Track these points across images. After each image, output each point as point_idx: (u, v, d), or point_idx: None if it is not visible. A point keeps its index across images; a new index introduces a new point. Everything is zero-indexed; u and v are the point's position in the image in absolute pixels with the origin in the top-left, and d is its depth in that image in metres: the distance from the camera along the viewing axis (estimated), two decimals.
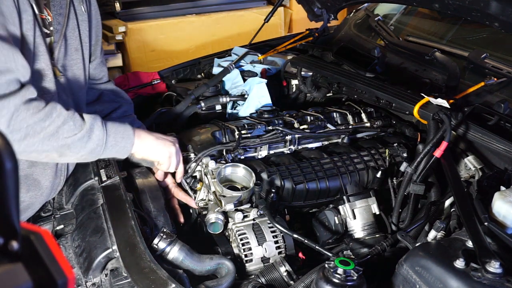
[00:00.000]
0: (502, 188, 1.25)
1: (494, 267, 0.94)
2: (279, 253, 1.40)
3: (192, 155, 1.64)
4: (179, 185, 1.65)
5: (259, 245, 1.39)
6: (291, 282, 1.25)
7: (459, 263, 0.99)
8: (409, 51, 2.09)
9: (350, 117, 1.94)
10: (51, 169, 1.47)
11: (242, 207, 1.47)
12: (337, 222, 1.57)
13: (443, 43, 2.08)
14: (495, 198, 1.19)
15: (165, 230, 1.31)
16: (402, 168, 1.50)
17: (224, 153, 1.63)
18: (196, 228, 1.60)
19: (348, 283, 1.03)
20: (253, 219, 1.45)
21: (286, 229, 1.36)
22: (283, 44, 2.43)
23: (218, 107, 2.06)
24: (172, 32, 4.08)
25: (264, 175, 1.55)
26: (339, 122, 1.93)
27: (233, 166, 1.55)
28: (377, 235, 1.54)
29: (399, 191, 1.53)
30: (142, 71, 2.31)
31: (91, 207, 1.44)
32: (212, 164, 1.56)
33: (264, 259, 1.39)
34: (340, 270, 1.04)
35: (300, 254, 1.45)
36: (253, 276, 1.33)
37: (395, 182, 1.64)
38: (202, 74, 2.43)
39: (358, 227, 1.57)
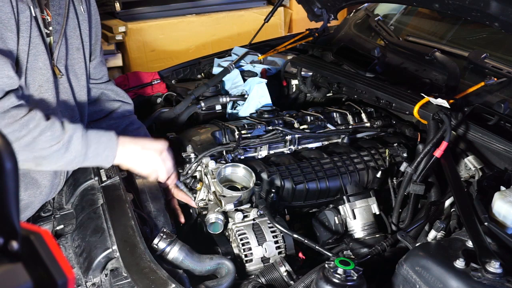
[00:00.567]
0: (502, 188, 1.25)
1: (494, 267, 0.94)
2: (279, 253, 1.40)
3: (192, 155, 1.64)
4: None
5: (259, 245, 1.39)
6: (291, 282, 1.25)
7: (459, 263, 0.99)
8: (409, 51, 2.09)
9: (350, 117, 1.94)
10: None
11: (242, 207, 1.47)
12: (337, 222, 1.57)
13: (443, 43, 2.08)
14: (495, 198, 1.19)
15: (165, 230, 1.31)
16: (402, 168, 1.50)
17: (224, 153, 1.63)
18: (196, 228, 1.60)
19: (348, 283, 1.03)
20: (253, 219, 1.45)
21: (286, 229, 1.36)
22: (283, 44, 2.43)
23: (218, 107, 2.06)
24: (172, 32, 4.08)
25: (264, 175, 1.55)
26: (339, 122, 1.93)
27: (233, 166, 1.55)
28: (377, 235, 1.54)
29: (399, 191, 1.53)
30: (142, 71, 2.30)
31: (91, 207, 1.44)
32: (212, 164, 1.56)
33: (264, 259, 1.39)
34: (340, 270, 1.04)
35: (300, 254, 1.45)
36: (253, 276, 1.33)
37: (395, 182, 1.64)
38: (202, 74, 2.43)
39: (358, 227, 1.57)
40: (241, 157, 1.64)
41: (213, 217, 1.44)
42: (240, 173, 1.54)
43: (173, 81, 2.32)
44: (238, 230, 1.41)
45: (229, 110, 2.07)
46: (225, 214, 1.47)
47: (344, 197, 1.59)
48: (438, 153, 1.42)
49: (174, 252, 1.26)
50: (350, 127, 1.91)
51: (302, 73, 2.20)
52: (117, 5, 3.98)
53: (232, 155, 1.61)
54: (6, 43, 1.23)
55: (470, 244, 1.06)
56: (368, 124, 1.94)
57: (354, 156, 1.69)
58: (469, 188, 1.35)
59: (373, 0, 2.43)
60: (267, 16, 2.59)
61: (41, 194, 1.48)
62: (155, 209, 1.44)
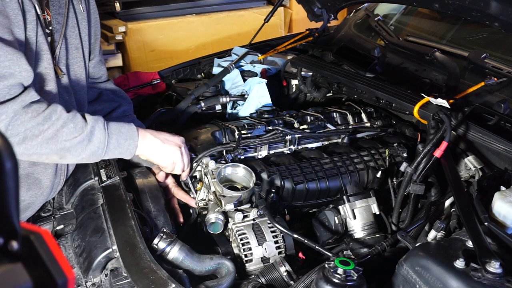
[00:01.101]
0: (502, 188, 1.25)
1: (494, 267, 0.94)
2: (279, 253, 1.40)
3: (192, 155, 1.64)
4: (179, 184, 1.65)
5: (259, 245, 1.39)
6: (291, 282, 1.25)
7: (459, 263, 0.99)
8: (409, 51, 2.09)
9: (350, 117, 1.94)
10: (51, 168, 1.47)
11: (242, 207, 1.47)
12: (337, 222, 1.57)
13: (443, 43, 2.08)
14: (495, 198, 1.19)
15: (165, 230, 1.31)
16: (402, 168, 1.50)
17: (224, 153, 1.63)
18: (196, 228, 1.60)
19: (348, 283, 1.03)
20: (253, 219, 1.45)
21: (286, 229, 1.36)
22: (283, 44, 2.43)
23: (218, 107, 2.06)
24: (172, 32, 4.08)
25: (264, 175, 1.55)
26: (339, 122, 1.93)
27: (233, 166, 1.55)
28: (377, 235, 1.54)
29: (399, 191, 1.53)
30: (142, 71, 2.30)
31: (91, 207, 1.44)
32: (212, 164, 1.56)
33: (264, 259, 1.39)
34: (340, 270, 1.04)
35: (300, 254, 1.45)
36: (253, 276, 1.33)
37: (395, 182, 1.64)
38: (202, 74, 2.43)
39: (358, 227, 1.57)
40: (241, 157, 1.64)
41: (213, 217, 1.44)
42: (240, 173, 1.54)
43: (173, 81, 2.32)
44: (238, 230, 1.41)
45: (229, 110, 2.07)
46: (225, 214, 1.47)
47: (344, 197, 1.59)
48: (438, 153, 1.42)
49: (174, 252, 1.27)
50: (350, 127, 1.91)
51: (302, 73, 2.20)
52: (117, 5, 3.98)
53: (232, 155, 1.61)
54: (16, 38, 1.23)
55: (470, 244, 1.06)
56: (368, 124, 1.94)
57: (354, 156, 1.69)
58: (469, 188, 1.35)
59: (373, 0, 2.43)
60: (267, 16, 2.59)
61: (42, 195, 1.48)
62: (155, 209, 1.44)
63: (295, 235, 1.34)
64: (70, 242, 1.40)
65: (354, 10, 2.74)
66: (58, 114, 1.26)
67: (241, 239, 1.39)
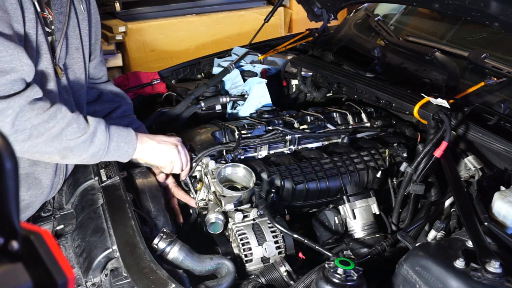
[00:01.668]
0: (502, 188, 1.25)
1: (494, 267, 0.94)
2: (279, 253, 1.40)
3: (192, 155, 1.64)
4: (179, 184, 1.65)
5: (259, 245, 1.39)
6: (291, 282, 1.25)
7: (459, 263, 0.99)
8: (409, 51, 2.09)
9: (350, 117, 1.94)
10: (52, 168, 1.47)
11: (242, 207, 1.47)
12: (337, 222, 1.57)
13: (443, 43, 2.08)
14: (495, 198, 1.19)
15: (165, 230, 1.31)
16: (402, 168, 1.50)
17: (224, 153, 1.63)
18: (196, 228, 1.60)
19: (348, 283, 1.03)
20: (253, 219, 1.45)
21: (286, 229, 1.36)
22: (283, 44, 2.43)
23: (218, 107, 2.06)
24: (172, 32, 4.08)
25: (264, 175, 1.55)
26: (339, 122, 1.93)
27: (233, 166, 1.54)
28: (377, 235, 1.54)
29: (399, 191, 1.53)
30: (142, 71, 2.30)
31: (91, 207, 1.44)
32: (212, 164, 1.56)
33: (264, 259, 1.39)
34: (340, 270, 1.04)
35: (300, 254, 1.45)
36: (253, 276, 1.33)
37: (395, 182, 1.64)
38: (202, 74, 2.43)
39: (358, 227, 1.57)
40: (241, 157, 1.64)
41: (213, 217, 1.44)
42: (240, 173, 1.54)
43: (173, 81, 2.32)
44: (238, 230, 1.41)
45: (229, 110, 2.07)
46: (225, 214, 1.47)
47: (344, 197, 1.59)
48: (438, 153, 1.42)
49: (174, 252, 1.27)
50: (350, 127, 1.91)
51: (302, 73, 2.20)
52: (117, 5, 3.98)
53: (232, 155, 1.61)
54: (16, 33, 1.23)
55: (470, 244, 1.06)
56: (368, 124, 1.94)
57: (354, 156, 1.69)
58: (469, 188, 1.35)
59: (373, 0, 2.43)
60: (267, 16, 2.59)
61: (42, 194, 1.48)
62: (155, 209, 1.44)
63: (295, 235, 1.33)
64: (70, 242, 1.40)
65: (354, 10, 2.74)
66: (63, 113, 1.28)
67: (241, 239, 1.39)
